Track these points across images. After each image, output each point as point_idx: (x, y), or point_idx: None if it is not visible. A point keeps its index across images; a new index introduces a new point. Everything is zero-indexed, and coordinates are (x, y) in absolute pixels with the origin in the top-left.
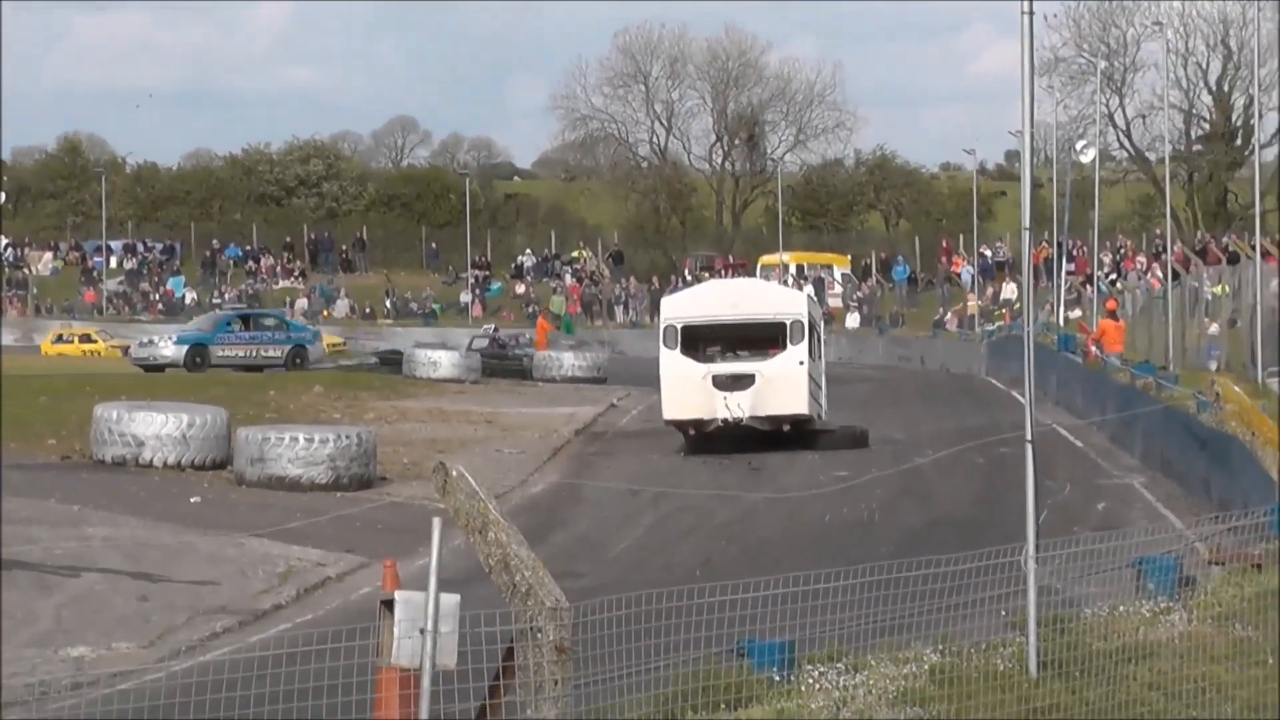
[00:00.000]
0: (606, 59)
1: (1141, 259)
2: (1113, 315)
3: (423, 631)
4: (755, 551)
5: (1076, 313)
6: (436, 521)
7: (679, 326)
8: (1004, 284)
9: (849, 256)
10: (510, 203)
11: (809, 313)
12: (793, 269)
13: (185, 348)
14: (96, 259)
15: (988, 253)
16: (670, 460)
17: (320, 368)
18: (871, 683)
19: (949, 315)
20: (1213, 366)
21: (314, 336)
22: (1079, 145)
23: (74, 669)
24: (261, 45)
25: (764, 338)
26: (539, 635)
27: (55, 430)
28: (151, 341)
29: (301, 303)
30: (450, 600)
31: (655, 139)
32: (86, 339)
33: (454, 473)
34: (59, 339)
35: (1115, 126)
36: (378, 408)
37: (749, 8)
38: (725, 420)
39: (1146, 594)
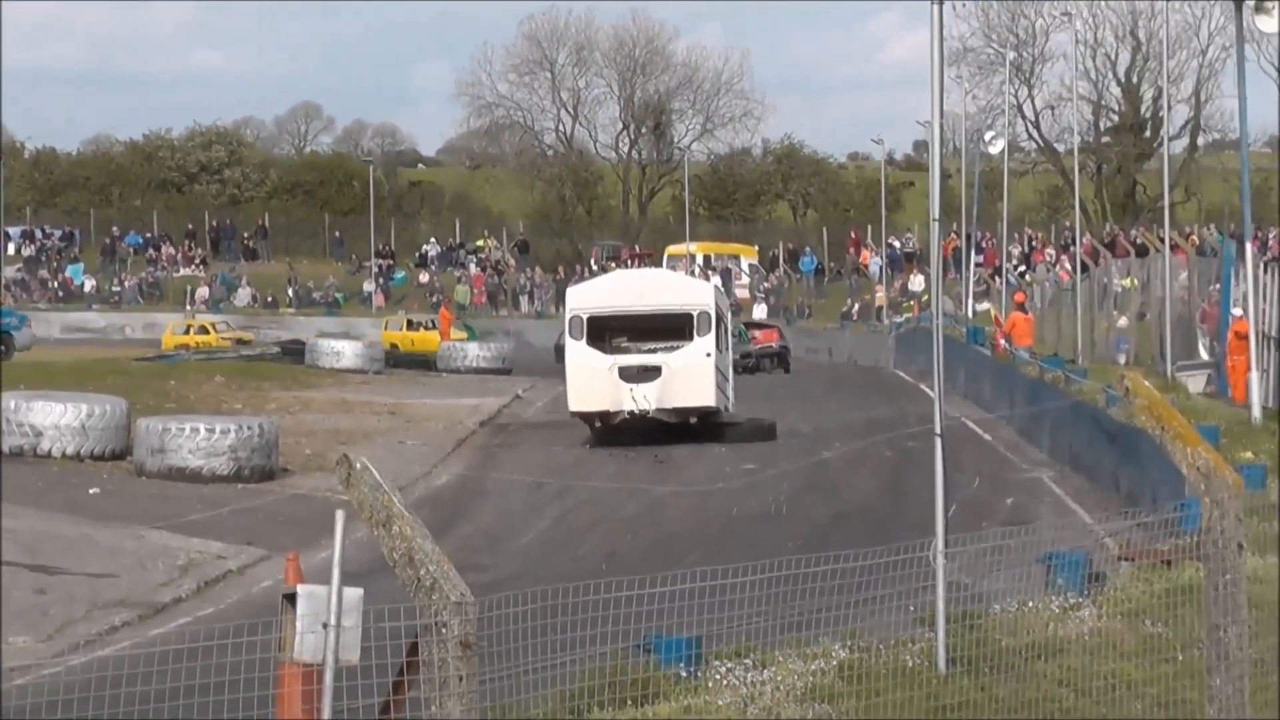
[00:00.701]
0: (512, 45)
1: (1050, 251)
2: (1021, 308)
3: (325, 626)
4: (662, 545)
5: (985, 305)
6: (339, 514)
7: (585, 317)
8: (912, 275)
9: (756, 247)
10: (415, 190)
11: (716, 304)
12: (700, 259)
13: None
14: None
15: (896, 244)
16: (576, 452)
17: (222, 357)
18: (779, 679)
19: (856, 307)
20: (1122, 360)
21: (21, 321)
22: (988, 136)
23: None
24: (165, 28)
25: (671, 329)
26: (444, 630)
27: None
28: None
29: (203, 290)
30: (353, 594)
31: (561, 127)
32: (202, 330)
33: (358, 465)
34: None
35: (1024, 117)
36: (280, 398)
37: None
38: (631, 412)
39: (1056, 590)
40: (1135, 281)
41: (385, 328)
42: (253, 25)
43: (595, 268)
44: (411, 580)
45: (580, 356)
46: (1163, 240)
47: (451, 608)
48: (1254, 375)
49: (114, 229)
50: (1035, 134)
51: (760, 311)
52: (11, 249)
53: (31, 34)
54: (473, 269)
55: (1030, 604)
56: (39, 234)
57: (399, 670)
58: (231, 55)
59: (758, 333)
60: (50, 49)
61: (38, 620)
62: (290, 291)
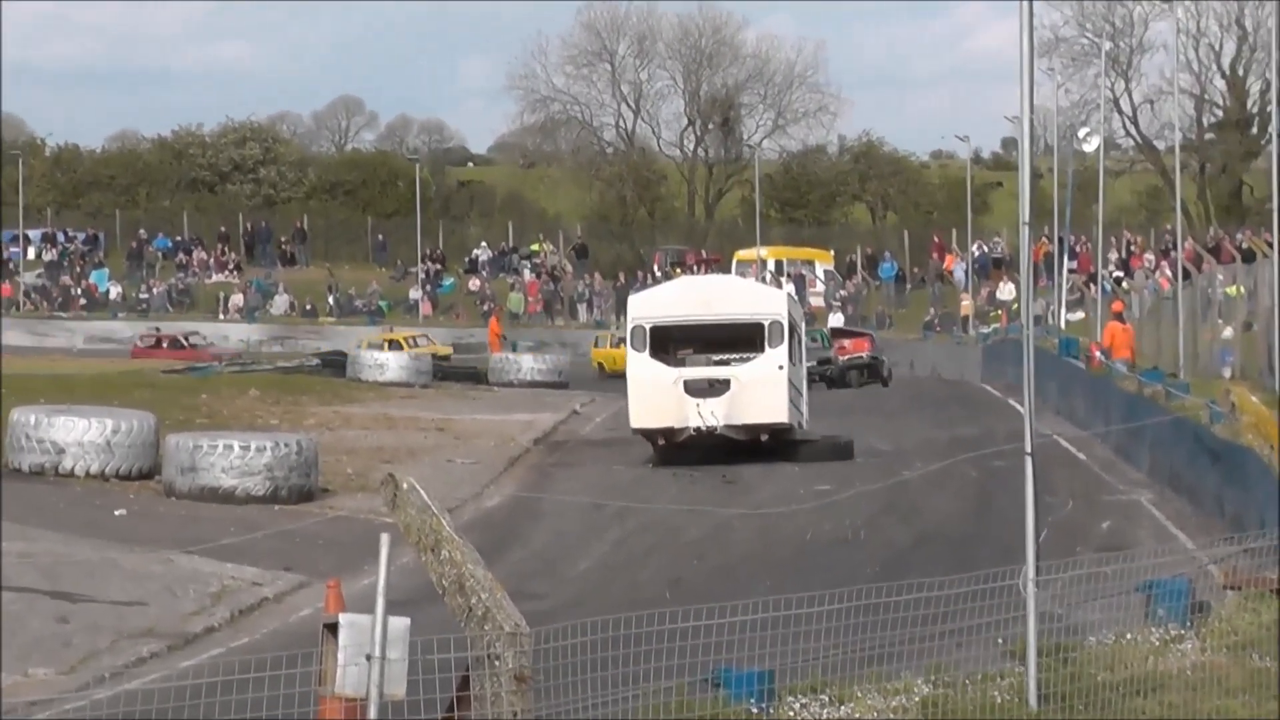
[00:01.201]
0: (569, 36)
1: (1149, 256)
2: (1119, 318)
3: (369, 658)
4: (729, 572)
5: (1079, 314)
6: (385, 538)
7: (648, 327)
8: (1000, 283)
9: (832, 252)
10: (464, 191)
11: (789, 313)
12: (771, 265)
13: None
14: (12, 249)
15: (983, 249)
16: (637, 472)
17: (258, 369)
18: (857, 716)
19: (940, 316)
20: (1226, 373)
21: None
22: (1082, 133)
23: None
24: (194, 17)
25: (740, 340)
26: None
27: None
28: None
29: (237, 298)
30: (399, 624)
31: (622, 122)
32: (398, 345)
33: (404, 485)
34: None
35: (1121, 112)
36: (319, 413)
37: None
38: (697, 429)
39: (1155, 621)
40: (1241, 289)
41: (595, 345)
42: (285, 15)
43: (658, 274)
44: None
45: (643, 370)
46: (1271, 245)
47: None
48: None
49: (141, 232)
50: (1133, 130)
51: (836, 321)
52: (32, 253)
53: (49, 26)
54: (527, 275)
55: (1128, 636)
56: (61, 237)
57: (448, 706)
58: (265, 46)
59: (846, 342)
60: (70, 43)
61: (59, 651)
62: (330, 299)
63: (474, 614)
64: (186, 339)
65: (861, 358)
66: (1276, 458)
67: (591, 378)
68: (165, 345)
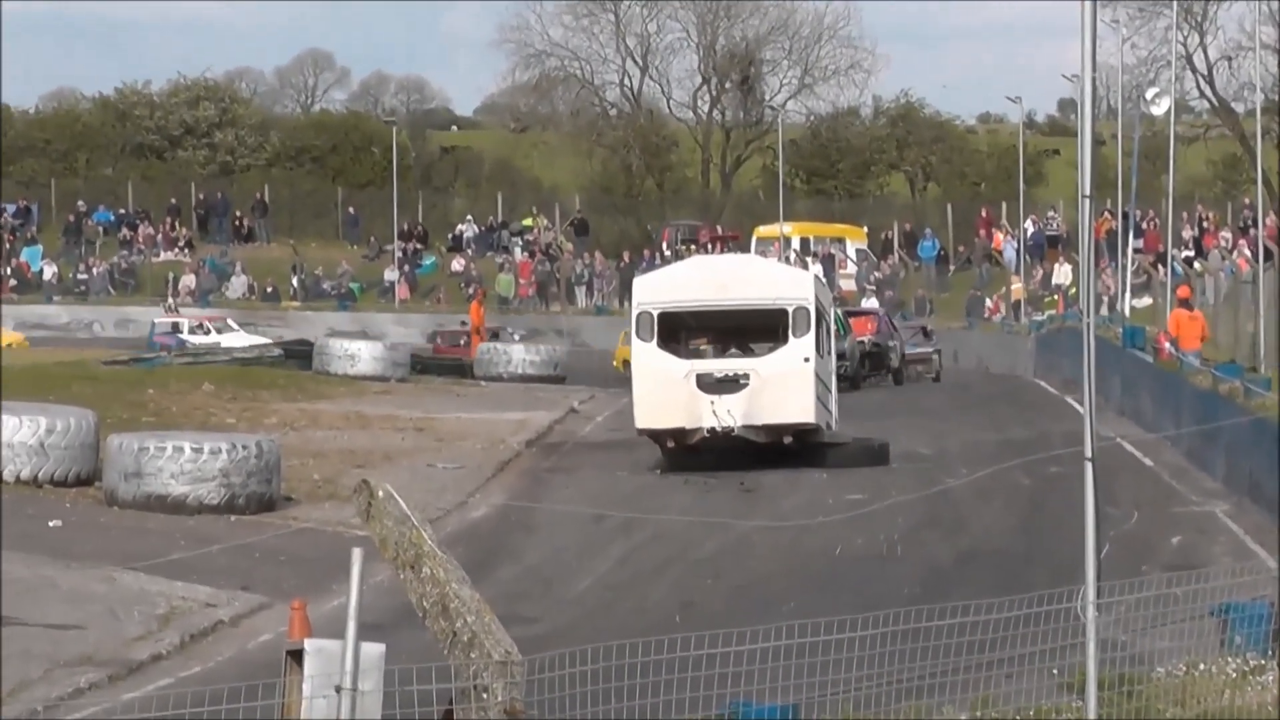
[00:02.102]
0: None
1: (1226, 234)
2: (1185, 304)
3: (339, 689)
4: (749, 592)
5: (1146, 300)
6: (357, 553)
7: (655, 314)
8: (1057, 264)
9: (865, 228)
10: (447, 158)
11: (816, 298)
12: (796, 243)
13: None
14: None
15: (1037, 225)
16: (644, 479)
17: (212, 360)
18: None
19: (989, 302)
20: None
21: None
22: (1150, 94)
23: None
24: None
25: (761, 328)
26: (484, 695)
27: None
28: None
29: (188, 279)
30: (373, 651)
31: (627, 81)
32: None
33: (380, 493)
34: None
35: (1194, 71)
36: (282, 411)
37: None
38: (712, 430)
39: (1232, 649)
40: None
41: (622, 341)
42: None
43: (668, 253)
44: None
45: (650, 362)
46: None
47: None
48: None
49: (80, 204)
50: (1208, 91)
51: (871, 306)
52: None
53: None
54: (518, 254)
55: (1201, 667)
56: None
57: None
58: None
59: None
60: None
61: None
62: (295, 281)
63: (459, 639)
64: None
65: (862, 343)
66: None
67: (594, 371)
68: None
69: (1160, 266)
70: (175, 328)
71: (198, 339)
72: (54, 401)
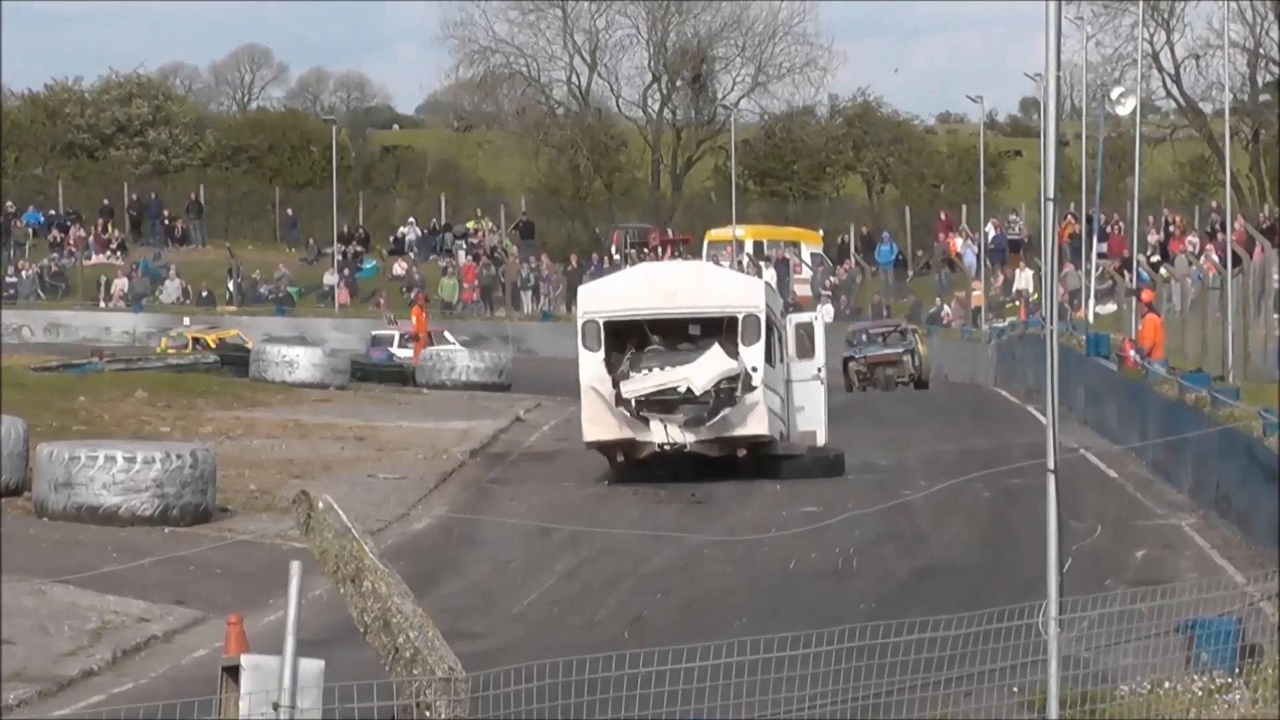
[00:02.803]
0: None
1: (1193, 239)
2: (1151, 308)
3: (276, 707)
4: (699, 608)
5: (1110, 306)
6: (295, 566)
7: (601, 322)
8: (1018, 269)
9: (821, 232)
10: (389, 158)
11: (768, 305)
12: (749, 247)
13: None
14: None
15: (998, 229)
16: (592, 490)
17: (145, 367)
18: None
19: (947, 308)
20: None
21: None
22: (1115, 93)
23: None
24: None
25: (711, 337)
26: (428, 713)
27: None
28: None
29: (120, 283)
30: (312, 667)
31: (575, 79)
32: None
33: (320, 504)
34: None
35: (1161, 69)
36: (218, 419)
37: None
38: (662, 446)
39: (1198, 667)
40: None
41: None
42: None
43: (616, 257)
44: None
45: (597, 373)
46: None
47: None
48: None
49: (8, 204)
50: (1175, 91)
51: (827, 313)
52: None
53: None
54: (462, 258)
55: (1166, 684)
56: None
57: None
58: None
59: None
60: None
61: None
62: (231, 285)
63: (401, 656)
64: None
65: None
66: None
67: (540, 379)
68: None
69: (1125, 272)
70: (402, 339)
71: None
72: None
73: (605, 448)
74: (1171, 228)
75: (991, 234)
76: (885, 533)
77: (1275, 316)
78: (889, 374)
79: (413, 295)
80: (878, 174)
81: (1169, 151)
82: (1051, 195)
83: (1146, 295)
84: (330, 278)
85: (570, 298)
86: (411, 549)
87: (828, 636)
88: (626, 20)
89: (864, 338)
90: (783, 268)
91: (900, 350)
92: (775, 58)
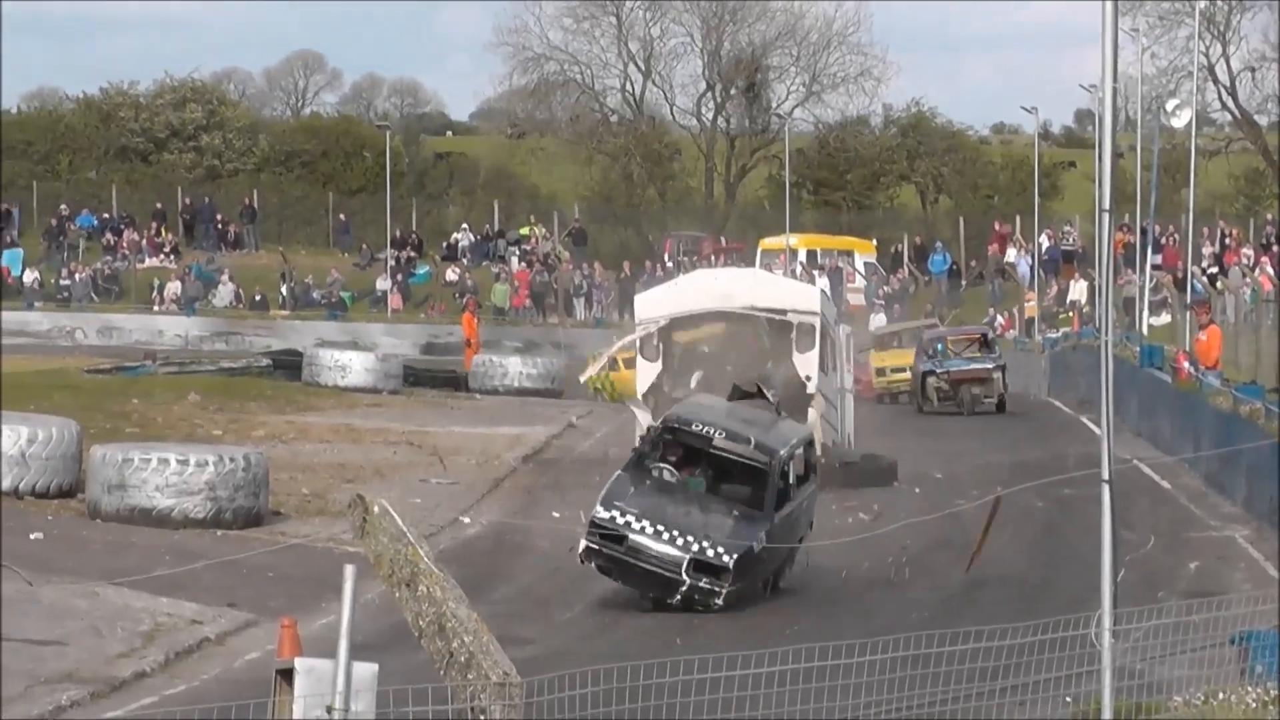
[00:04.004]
0: None
1: (1248, 251)
2: (1211, 320)
3: (330, 710)
4: (751, 616)
5: (1164, 318)
6: (350, 570)
7: (658, 330)
8: (1072, 280)
9: (874, 241)
10: (442, 165)
11: (822, 312)
12: (802, 256)
13: None
14: None
15: (1052, 240)
16: None
17: (198, 370)
18: None
19: (1001, 318)
20: None
21: None
22: (1170, 105)
23: None
24: None
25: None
26: (482, 716)
27: None
28: None
29: (173, 286)
30: (366, 671)
31: (629, 86)
32: None
33: (375, 509)
34: None
35: (1216, 82)
36: (270, 423)
37: None
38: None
39: (1252, 679)
40: None
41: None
42: None
43: (669, 264)
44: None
45: (653, 382)
46: None
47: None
48: None
49: (62, 207)
50: (1230, 103)
51: (879, 321)
52: None
53: None
54: (515, 264)
55: (1220, 696)
56: None
57: None
58: None
59: None
60: None
61: None
62: (284, 289)
63: (456, 660)
64: None
65: None
66: None
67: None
68: None
69: (1179, 284)
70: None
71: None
72: (35, 411)
73: None
74: (1227, 240)
75: (1045, 245)
76: (938, 541)
77: None
78: (974, 393)
79: (464, 301)
80: (931, 184)
81: (1224, 164)
82: (1107, 206)
83: (1204, 308)
84: (383, 283)
85: (622, 305)
86: (464, 554)
87: (880, 645)
88: (681, 28)
89: (943, 348)
90: (836, 277)
91: (989, 366)
92: (829, 67)
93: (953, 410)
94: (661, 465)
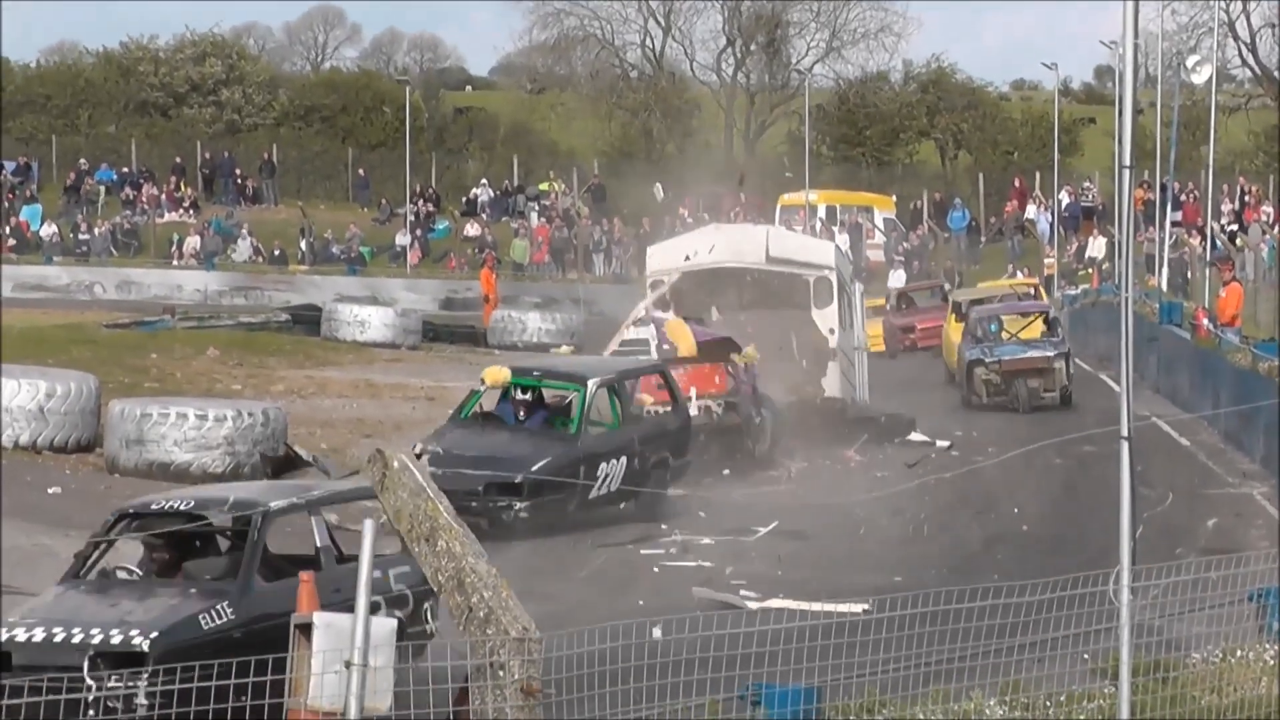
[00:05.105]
0: None
1: (1268, 209)
2: (1232, 277)
3: (349, 665)
4: (770, 572)
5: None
6: (368, 524)
7: (669, 282)
8: (1091, 237)
9: (894, 197)
10: (461, 120)
11: (839, 268)
12: (821, 211)
13: None
14: None
15: (1071, 196)
16: None
17: (217, 325)
18: None
19: (1020, 275)
20: None
21: None
22: (1191, 61)
23: None
24: None
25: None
26: (501, 673)
27: None
28: None
29: (192, 241)
30: (385, 625)
31: (649, 42)
32: None
33: (395, 464)
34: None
35: (1237, 38)
36: (289, 378)
37: None
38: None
39: (1270, 636)
40: None
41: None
42: None
43: (689, 220)
44: (461, 609)
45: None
46: None
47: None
48: None
49: (81, 162)
50: (1251, 60)
51: (898, 278)
52: None
53: None
54: (534, 219)
55: (1238, 653)
56: None
57: None
58: None
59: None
60: None
61: None
62: (303, 244)
63: (475, 615)
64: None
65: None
66: None
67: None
68: None
69: (1199, 239)
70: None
71: None
72: (53, 365)
73: None
74: (1246, 197)
75: (1065, 201)
76: (957, 498)
77: None
78: (1032, 386)
79: (483, 256)
80: (951, 140)
81: (1244, 120)
82: (1128, 163)
83: (1227, 265)
84: (402, 238)
85: (641, 261)
86: None
87: (898, 601)
88: None
89: (995, 328)
90: (855, 233)
91: (1050, 353)
92: (849, 23)
93: (1005, 406)
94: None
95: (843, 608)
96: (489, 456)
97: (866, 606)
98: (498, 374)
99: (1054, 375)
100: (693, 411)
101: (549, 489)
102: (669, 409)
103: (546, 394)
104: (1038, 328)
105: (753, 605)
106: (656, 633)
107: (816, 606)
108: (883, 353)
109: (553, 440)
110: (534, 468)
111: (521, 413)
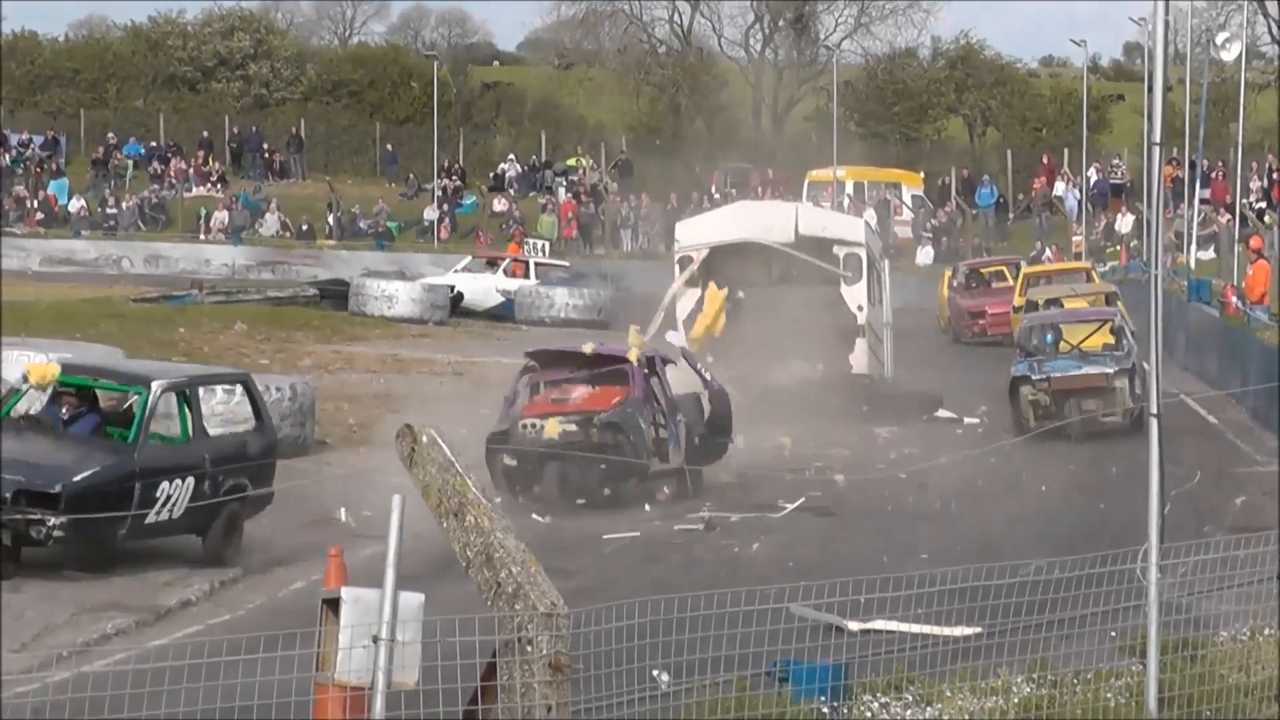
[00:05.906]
0: None
1: None
2: (1259, 255)
3: (376, 640)
4: (796, 549)
5: (1211, 252)
6: (397, 500)
7: (698, 259)
8: (1120, 214)
9: (922, 174)
10: (489, 95)
11: (868, 245)
12: (849, 188)
13: None
14: None
15: (1099, 174)
16: None
17: (244, 299)
18: (945, 718)
19: (1048, 252)
20: None
21: None
22: (1220, 38)
23: None
24: None
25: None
26: (529, 648)
27: None
28: None
29: (220, 215)
30: (413, 600)
31: (677, 17)
32: None
33: (424, 438)
34: None
35: (1266, 15)
36: (316, 352)
37: None
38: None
39: None
40: None
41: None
42: None
43: (717, 196)
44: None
45: (692, 308)
46: None
47: (539, 620)
48: None
49: (109, 136)
50: None
51: (926, 255)
52: None
53: None
54: (562, 195)
55: (1266, 632)
56: (14, 141)
57: (470, 698)
58: None
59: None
60: None
61: (10, 625)
62: (330, 219)
63: (503, 591)
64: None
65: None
66: None
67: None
68: None
69: (1227, 217)
70: None
71: None
72: (81, 339)
73: None
74: (1276, 174)
75: (1093, 178)
76: (985, 475)
77: None
78: (1088, 409)
79: (511, 231)
80: (979, 117)
81: (1273, 98)
82: (1157, 140)
83: (1256, 242)
84: (430, 213)
85: (668, 237)
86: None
87: (925, 580)
88: None
89: (1050, 338)
90: (883, 209)
91: (1110, 370)
92: None
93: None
94: None
95: (952, 631)
96: (23, 461)
97: (979, 630)
98: (44, 370)
99: (1115, 395)
100: (553, 437)
101: (94, 504)
102: (252, 428)
103: (104, 398)
104: (1100, 337)
105: (854, 626)
106: (665, 677)
107: (922, 629)
108: (945, 331)
109: (104, 450)
110: (76, 478)
111: (65, 412)
